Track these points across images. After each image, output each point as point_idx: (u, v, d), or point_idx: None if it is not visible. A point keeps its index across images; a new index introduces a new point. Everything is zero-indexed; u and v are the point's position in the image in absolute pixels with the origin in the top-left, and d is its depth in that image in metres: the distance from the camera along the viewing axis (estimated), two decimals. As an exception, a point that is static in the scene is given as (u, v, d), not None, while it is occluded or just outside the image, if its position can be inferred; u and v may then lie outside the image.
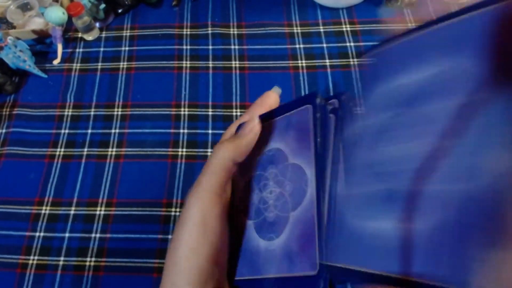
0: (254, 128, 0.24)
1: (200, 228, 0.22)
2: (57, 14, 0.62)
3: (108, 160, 0.57)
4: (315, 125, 0.23)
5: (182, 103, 0.61)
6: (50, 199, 0.55)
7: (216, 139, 0.58)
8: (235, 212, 0.26)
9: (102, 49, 0.67)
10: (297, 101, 0.25)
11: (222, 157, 0.24)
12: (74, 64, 0.66)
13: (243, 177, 0.26)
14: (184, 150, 0.57)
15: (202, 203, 0.22)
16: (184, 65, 0.64)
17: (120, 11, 0.70)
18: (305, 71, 0.62)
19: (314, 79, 0.62)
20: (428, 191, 0.15)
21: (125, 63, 0.65)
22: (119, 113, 0.61)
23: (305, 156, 0.23)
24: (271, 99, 0.27)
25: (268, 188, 0.24)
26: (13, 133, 0.60)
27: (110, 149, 0.58)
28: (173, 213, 0.53)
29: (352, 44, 0.64)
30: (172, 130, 0.59)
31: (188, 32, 0.68)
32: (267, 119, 0.26)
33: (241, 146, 0.24)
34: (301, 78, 0.62)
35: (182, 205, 0.53)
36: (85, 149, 0.58)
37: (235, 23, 0.68)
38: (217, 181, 0.23)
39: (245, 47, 0.66)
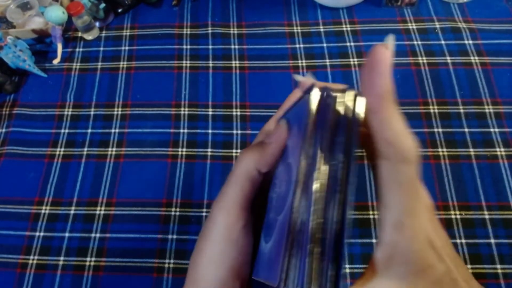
0: (281, 135, 0.22)
1: (223, 242, 0.21)
2: (57, 13, 0.62)
3: (108, 160, 0.57)
4: (308, 120, 0.20)
5: (182, 102, 0.61)
6: (50, 199, 0.54)
7: (216, 139, 0.58)
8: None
9: (102, 48, 0.67)
10: (304, 92, 0.22)
11: (246, 167, 0.22)
12: (74, 64, 0.66)
13: (269, 173, 0.24)
14: (184, 149, 0.57)
15: (227, 215, 0.21)
16: (184, 64, 0.64)
17: (120, 10, 0.70)
18: (305, 70, 0.62)
19: (314, 79, 0.61)
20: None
21: (125, 62, 0.65)
22: (119, 112, 0.61)
23: (295, 155, 0.20)
24: (296, 95, 0.25)
25: (275, 187, 0.23)
26: (13, 133, 0.60)
27: (110, 149, 0.58)
28: (173, 213, 0.53)
29: (352, 44, 0.64)
30: (172, 130, 0.59)
31: (188, 32, 0.68)
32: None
33: (267, 154, 0.22)
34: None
35: (182, 205, 0.53)
36: (85, 149, 0.58)
37: (235, 23, 0.68)
38: (242, 192, 0.22)
39: (245, 46, 0.66)
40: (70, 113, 0.61)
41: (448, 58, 0.62)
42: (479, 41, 0.63)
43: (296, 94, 0.25)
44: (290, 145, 0.22)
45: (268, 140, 0.22)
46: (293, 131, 0.22)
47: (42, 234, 0.52)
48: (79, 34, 0.68)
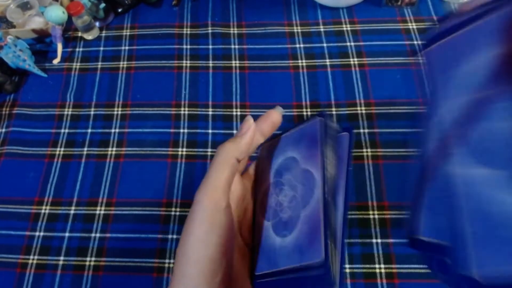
0: (250, 127, 0.27)
1: (208, 221, 0.24)
2: (57, 13, 0.62)
3: (108, 160, 0.57)
4: (321, 136, 0.26)
5: (182, 102, 0.61)
6: (50, 199, 0.54)
7: (216, 138, 0.58)
8: (256, 215, 0.29)
9: (102, 48, 0.67)
10: (309, 119, 0.28)
11: (225, 155, 0.26)
12: (74, 64, 0.66)
13: (263, 185, 0.29)
14: (184, 149, 0.57)
15: (209, 197, 0.24)
16: (184, 64, 0.64)
17: (120, 10, 0.70)
18: (305, 70, 0.62)
19: (314, 79, 0.62)
20: None
21: (125, 62, 0.65)
22: (119, 112, 0.61)
23: (314, 162, 0.26)
24: (273, 116, 0.30)
25: (284, 192, 0.27)
26: (12, 133, 0.60)
27: (110, 149, 0.58)
28: (173, 213, 0.53)
29: (352, 43, 0.64)
30: (172, 130, 0.59)
31: (188, 32, 0.68)
32: (281, 134, 0.30)
33: (241, 144, 0.27)
34: (301, 78, 0.62)
35: (182, 205, 0.53)
36: (85, 149, 0.58)
37: (235, 23, 0.68)
38: (223, 177, 0.25)
39: (245, 46, 0.66)
40: (70, 113, 0.61)
41: (448, 58, 0.62)
42: (479, 41, 0.63)
43: (273, 114, 0.29)
44: (302, 154, 0.27)
45: (241, 132, 0.27)
46: (303, 143, 0.27)
47: (42, 234, 0.52)
48: (79, 34, 0.68)
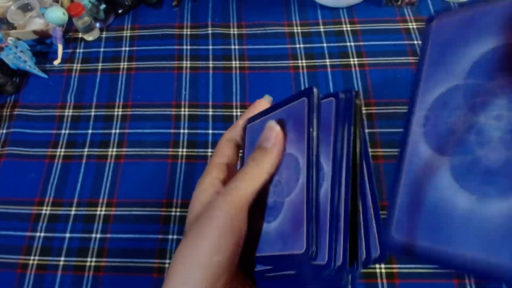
0: (278, 136, 0.25)
1: (228, 229, 0.23)
2: (57, 14, 0.62)
3: (108, 160, 0.57)
4: (309, 117, 0.24)
5: (182, 103, 0.61)
6: (51, 200, 0.55)
7: (216, 139, 0.58)
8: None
9: (102, 49, 0.67)
10: (295, 95, 0.25)
11: (259, 169, 0.25)
12: (75, 65, 0.66)
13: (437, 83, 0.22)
14: (184, 150, 0.57)
15: (234, 206, 0.23)
16: (184, 65, 0.64)
17: (120, 11, 0.70)
18: (305, 70, 0.62)
19: (314, 79, 0.62)
20: None
21: (125, 63, 0.65)
22: (120, 113, 0.61)
23: (299, 147, 0.24)
24: (262, 105, 0.28)
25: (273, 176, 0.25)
26: (13, 134, 0.60)
27: (110, 149, 0.58)
28: (173, 213, 0.53)
29: (352, 43, 0.64)
30: (172, 130, 0.59)
31: (188, 32, 0.68)
32: (266, 113, 0.27)
33: (273, 157, 0.25)
34: (301, 78, 0.62)
35: (182, 205, 0.53)
36: (86, 149, 0.58)
37: (235, 23, 0.68)
38: (252, 190, 0.24)
39: (245, 47, 0.66)
40: (70, 113, 0.61)
41: (448, 57, 0.62)
42: (480, 41, 0.63)
43: (261, 103, 0.28)
44: (289, 137, 0.25)
45: (268, 143, 0.25)
46: (289, 125, 0.25)
47: (42, 234, 0.52)
48: (80, 35, 0.68)
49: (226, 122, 0.59)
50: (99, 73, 0.65)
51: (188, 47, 0.66)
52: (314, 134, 0.23)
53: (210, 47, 0.66)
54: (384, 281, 0.48)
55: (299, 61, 0.63)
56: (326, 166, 0.23)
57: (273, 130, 0.25)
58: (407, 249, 0.17)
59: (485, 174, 0.15)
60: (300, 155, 0.24)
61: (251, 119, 0.28)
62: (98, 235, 0.52)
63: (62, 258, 0.51)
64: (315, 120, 0.23)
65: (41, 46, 0.68)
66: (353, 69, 0.62)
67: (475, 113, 0.16)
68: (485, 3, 0.17)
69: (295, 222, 0.23)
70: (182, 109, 0.60)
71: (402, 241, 0.17)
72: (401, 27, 0.65)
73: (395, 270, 0.48)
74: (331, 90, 0.60)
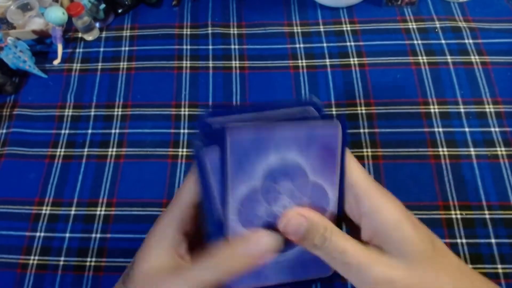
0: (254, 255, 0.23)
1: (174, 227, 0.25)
2: (57, 14, 0.62)
3: (108, 160, 0.57)
4: (343, 146, 0.24)
5: (182, 103, 0.61)
6: (51, 199, 0.55)
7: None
8: (213, 213, 0.25)
9: (102, 49, 0.67)
10: (319, 116, 0.25)
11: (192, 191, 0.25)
12: (74, 64, 0.66)
13: (239, 183, 0.23)
14: (185, 150, 0.57)
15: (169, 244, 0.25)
16: (184, 65, 0.64)
17: (120, 11, 0.70)
18: (305, 70, 0.62)
19: (314, 79, 0.62)
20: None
21: (125, 63, 0.65)
22: (119, 113, 0.61)
23: (328, 177, 0.24)
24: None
25: (280, 202, 0.24)
26: (13, 134, 0.60)
27: (110, 149, 0.58)
28: (173, 213, 0.53)
29: (352, 43, 0.64)
30: (172, 130, 0.59)
31: (188, 32, 0.68)
32: (262, 108, 0.25)
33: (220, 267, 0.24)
34: (301, 78, 0.62)
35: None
36: (85, 149, 0.58)
37: (235, 23, 0.68)
38: (185, 216, 0.25)
39: (245, 47, 0.66)
40: (70, 113, 0.61)
41: (448, 57, 0.62)
42: (480, 40, 0.63)
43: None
44: (312, 164, 0.24)
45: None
46: (315, 150, 0.24)
47: (42, 234, 0.52)
48: (79, 35, 0.68)
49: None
50: (99, 73, 0.65)
51: (188, 47, 0.66)
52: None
53: (210, 47, 0.66)
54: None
55: (299, 61, 0.63)
56: (331, 193, 0.24)
57: (303, 228, 0.23)
58: None
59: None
60: (328, 187, 0.24)
61: (216, 113, 0.25)
62: (98, 235, 0.52)
63: (62, 258, 0.51)
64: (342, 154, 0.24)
65: (40, 46, 0.68)
66: (353, 69, 0.62)
67: (270, 204, 0.24)
68: (271, 125, 0.23)
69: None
70: (182, 109, 0.60)
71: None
72: (401, 27, 0.65)
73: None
74: (331, 90, 0.60)
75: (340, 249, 0.22)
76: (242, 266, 0.22)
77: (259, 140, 0.23)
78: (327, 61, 0.63)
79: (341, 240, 0.23)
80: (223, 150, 0.23)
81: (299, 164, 0.23)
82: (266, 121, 0.24)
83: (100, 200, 0.54)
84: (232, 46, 0.66)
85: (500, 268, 0.47)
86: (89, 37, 0.68)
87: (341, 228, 0.25)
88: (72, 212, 0.54)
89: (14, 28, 0.66)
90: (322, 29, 0.66)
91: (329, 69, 0.62)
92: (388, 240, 0.23)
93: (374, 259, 0.23)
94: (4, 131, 0.60)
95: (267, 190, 0.23)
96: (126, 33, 0.68)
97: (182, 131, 0.59)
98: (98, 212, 0.53)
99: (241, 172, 0.23)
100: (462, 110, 0.58)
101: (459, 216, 0.51)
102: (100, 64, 0.66)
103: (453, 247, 0.49)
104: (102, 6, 0.67)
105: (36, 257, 0.51)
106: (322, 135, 0.23)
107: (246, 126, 0.23)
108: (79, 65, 0.66)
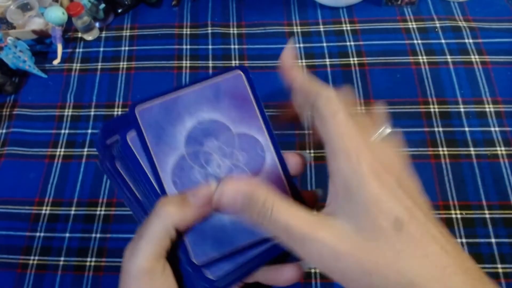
0: (209, 199, 0.21)
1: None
2: (57, 14, 0.62)
3: (108, 160, 0.57)
4: (253, 91, 0.25)
5: (182, 103, 0.61)
6: (50, 199, 0.55)
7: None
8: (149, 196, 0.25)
9: (102, 49, 0.67)
10: (220, 72, 0.25)
11: (165, 222, 0.22)
12: (74, 64, 0.66)
13: (166, 157, 0.24)
14: (184, 150, 0.57)
15: (141, 266, 0.21)
16: (184, 65, 0.64)
17: (120, 11, 0.70)
18: (305, 70, 0.62)
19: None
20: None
21: (125, 63, 0.65)
22: (119, 113, 0.61)
23: (251, 124, 0.24)
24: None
25: (213, 162, 0.24)
26: (13, 133, 0.60)
27: (110, 149, 0.58)
28: (173, 213, 0.53)
29: (352, 43, 0.64)
30: (172, 130, 0.59)
31: (188, 32, 0.68)
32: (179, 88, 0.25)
33: (188, 216, 0.22)
34: (301, 78, 0.62)
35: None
36: (85, 149, 0.58)
37: (235, 23, 0.68)
38: (156, 250, 0.22)
39: (245, 46, 0.66)
40: (70, 113, 0.61)
41: (448, 57, 0.62)
42: (479, 40, 0.63)
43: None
44: (230, 116, 0.25)
45: (193, 200, 0.22)
46: (227, 102, 0.25)
47: (42, 234, 0.52)
48: (79, 35, 0.68)
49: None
50: (98, 72, 0.65)
51: (188, 46, 0.66)
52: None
53: (210, 46, 0.66)
54: (318, 281, 0.48)
55: (299, 61, 0.63)
56: (262, 138, 0.24)
57: (208, 191, 0.21)
58: (209, 266, 0.22)
59: None
60: (256, 133, 0.24)
61: (146, 99, 0.25)
62: (98, 235, 0.52)
63: (62, 258, 0.51)
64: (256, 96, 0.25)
65: (40, 45, 0.68)
66: (353, 68, 0.62)
67: (203, 167, 0.24)
68: (177, 92, 0.24)
69: None
70: (182, 109, 0.60)
71: (204, 262, 0.22)
72: (401, 26, 0.65)
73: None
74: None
75: (282, 223, 0.19)
76: (194, 210, 0.22)
77: (169, 110, 0.24)
78: (327, 61, 0.63)
79: (283, 211, 0.20)
80: (138, 131, 0.23)
81: (217, 120, 0.24)
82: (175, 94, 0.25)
83: (100, 200, 0.54)
84: (232, 46, 0.66)
85: (500, 267, 0.48)
86: (89, 37, 0.68)
87: (288, 173, 0.24)
88: (72, 212, 0.53)
89: (14, 28, 0.66)
90: (322, 29, 0.66)
91: (329, 69, 0.62)
92: (349, 202, 0.19)
93: (321, 229, 0.19)
94: (4, 131, 0.60)
95: (194, 154, 0.24)
96: (126, 33, 0.68)
97: (182, 131, 0.59)
98: (98, 212, 0.53)
99: (163, 145, 0.23)
100: (462, 109, 0.58)
101: (459, 216, 0.51)
102: (100, 64, 0.65)
103: (453, 247, 0.49)
104: (102, 6, 0.67)
105: (36, 257, 0.51)
106: (228, 86, 0.25)
107: (153, 103, 0.24)
108: (79, 65, 0.66)
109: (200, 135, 0.24)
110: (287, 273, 0.23)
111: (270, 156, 0.24)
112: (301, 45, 0.65)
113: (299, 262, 0.23)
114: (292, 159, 0.24)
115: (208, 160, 0.24)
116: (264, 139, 0.24)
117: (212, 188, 0.21)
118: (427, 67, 0.61)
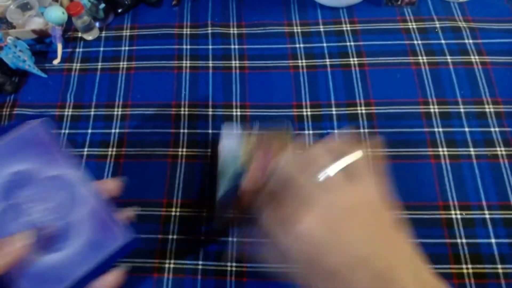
0: (12, 252, 0.23)
1: None
2: (56, 13, 0.62)
3: (108, 160, 0.57)
4: (53, 136, 0.27)
5: (182, 103, 0.61)
6: (50, 199, 0.54)
7: (216, 138, 0.58)
8: None
9: (102, 48, 0.67)
10: (21, 126, 0.27)
11: None
12: (74, 64, 0.66)
13: None
14: (184, 150, 0.57)
15: None
16: (184, 65, 0.64)
17: (120, 10, 0.70)
18: (305, 70, 0.62)
19: (314, 79, 0.62)
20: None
21: (125, 62, 0.65)
22: (119, 113, 0.61)
23: (58, 165, 0.26)
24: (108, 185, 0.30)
25: (32, 209, 0.25)
26: (13, 133, 0.60)
27: (110, 149, 0.58)
28: (173, 213, 0.53)
29: (352, 43, 0.64)
30: (172, 130, 0.59)
31: (188, 32, 0.68)
32: None
33: None
34: (301, 78, 0.62)
35: (182, 205, 0.53)
36: (85, 149, 0.58)
37: (235, 23, 0.68)
38: None
39: (245, 46, 0.66)
40: (70, 113, 0.61)
41: (448, 57, 0.62)
42: (480, 41, 0.63)
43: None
44: (39, 162, 0.27)
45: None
46: (33, 150, 0.27)
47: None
48: (79, 35, 0.68)
49: (226, 121, 0.59)
50: (98, 72, 0.65)
51: (188, 46, 0.66)
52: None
53: (210, 46, 0.66)
54: (233, 279, 0.49)
55: (299, 61, 0.63)
56: (74, 175, 0.27)
57: (17, 242, 0.23)
58: None
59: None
60: (61, 171, 0.26)
61: None
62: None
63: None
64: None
65: (40, 45, 0.68)
66: (353, 69, 0.62)
67: (22, 217, 0.25)
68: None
69: (101, 225, 0.26)
70: (182, 109, 0.60)
71: None
72: (401, 27, 0.65)
73: (244, 269, 0.49)
74: (331, 90, 0.60)
75: None
76: (6, 259, 0.22)
77: None
78: (327, 61, 0.63)
79: None
80: None
81: (24, 170, 0.25)
82: None
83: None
84: (232, 46, 0.66)
85: (500, 268, 0.48)
86: (89, 36, 0.68)
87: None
88: (72, 212, 0.53)
89: (13, 27, 0.66)
90: (322, 29, 0.66)
91: (329, 69, 0.62)
92: None
93: None
94: (4, 131, 0.60)
95: (11, 207, 0.25)
96: (126, 32, 0.68)
97: (182, 131, 0.59)
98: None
99: None
100: (462, 110, 0.58)
101: (459, 216, 0.51)
102: (100, 63, 0.65)
103: (453, 247, 0.49)
104: (102, 5, 0.67)
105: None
106: (29, 137, 0.26)
107: None
108: (78, 64, 0.66)
109: (13, 188, 0.25)
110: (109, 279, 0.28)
111: (83, 189, 0.26)
112: (301, 45, 0.65)
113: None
114: (105, 185, 0.29)
115: (24, 210, 0.25)
116: (72, 175, 0.26)
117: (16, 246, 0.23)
118: (427, 67, 0.61)
